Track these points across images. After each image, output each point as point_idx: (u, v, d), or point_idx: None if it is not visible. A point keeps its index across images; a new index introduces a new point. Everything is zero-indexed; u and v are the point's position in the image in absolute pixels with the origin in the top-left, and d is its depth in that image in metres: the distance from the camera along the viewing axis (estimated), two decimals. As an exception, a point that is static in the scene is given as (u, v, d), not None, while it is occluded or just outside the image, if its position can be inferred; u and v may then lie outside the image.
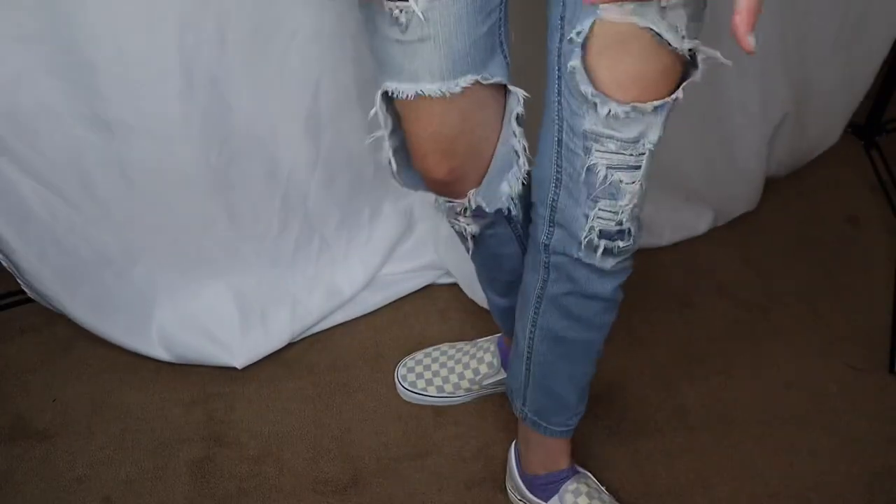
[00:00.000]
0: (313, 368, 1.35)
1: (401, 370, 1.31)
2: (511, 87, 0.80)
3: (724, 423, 1.26)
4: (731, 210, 1.56)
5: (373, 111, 0.81)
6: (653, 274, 1.48)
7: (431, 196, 0.92)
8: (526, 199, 0.89)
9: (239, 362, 1.32)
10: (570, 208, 0.80)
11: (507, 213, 0.89)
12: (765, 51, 1.32)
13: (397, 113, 0.82)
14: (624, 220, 0.79)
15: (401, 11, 0.71)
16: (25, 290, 1.32)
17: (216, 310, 1.35)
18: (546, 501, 1.11)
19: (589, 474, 1.14)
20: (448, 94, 0.75)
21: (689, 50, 0.69)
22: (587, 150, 0.75)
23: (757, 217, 1.58)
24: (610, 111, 0.71)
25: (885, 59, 1.56)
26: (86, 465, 1.22)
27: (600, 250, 0.81)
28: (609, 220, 0.79)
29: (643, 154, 0.74)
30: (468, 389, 1.27)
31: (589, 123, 0.73)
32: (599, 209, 0.78)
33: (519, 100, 0.81)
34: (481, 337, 1.33)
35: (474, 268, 1.11)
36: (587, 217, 0.79)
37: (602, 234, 0.80)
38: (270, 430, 1.27)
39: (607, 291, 0.87)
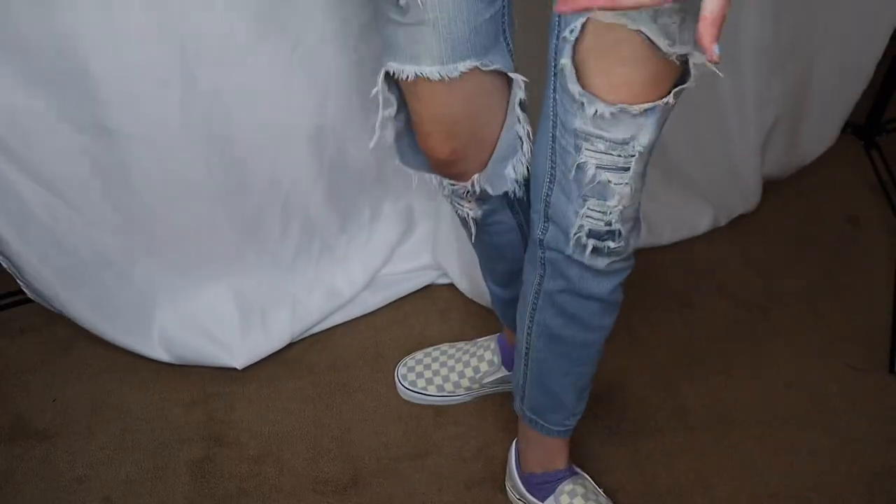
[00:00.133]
0: (313, 368, 1.35)
1: (401, 370, 1.31)
2: (511, 75, 0.81)
3: (724, 423, 1.26)
4: (731, 210, 1.56)
5: (374, 91, 0.82)
6: (653, 274, 1.48)
7: (432, 192, 0.92)
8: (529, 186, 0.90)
9: (239, 363, 1.33)
10: (563, 204, 0.80)
11: (512, 195, 0.90)
12: (759, 51, 1.32)
13: (402, 92, 0.83)
14: (613, 220, 0.79)
15: None
16: (25, 290, 1.32)
17: (216, 310, 1.35)
18: (542, 501, 1.12)
19: (586, 476, 1.14)
20: (447, 78, 0.77)
21: (681, 55, 0.69)
22: (577, 148, 0.75)
23: (757, 217, 1.58)
24: (597, 111, 0.71)
25: (883, 59, 1.56)
26: (86, 465, 1.22)
27: (589, 249, 0.81)
28: (598, 219, 0.79)
29: (633, 156, 0.74)
30: (468, 388, 1.28)
31: (579, 122, 0.74)
32: (589, 208, 0.78)
33: (521, 86, 0.82)
34: (481, 337, 1.33)
35: (476, 261, 1.11)
36: (577, 214, 0.79)
37: (591, 234, 0.80)
38: (270, 430, 1.27)
39: (603, 292, 0.86)
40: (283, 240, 1.33)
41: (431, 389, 1.28)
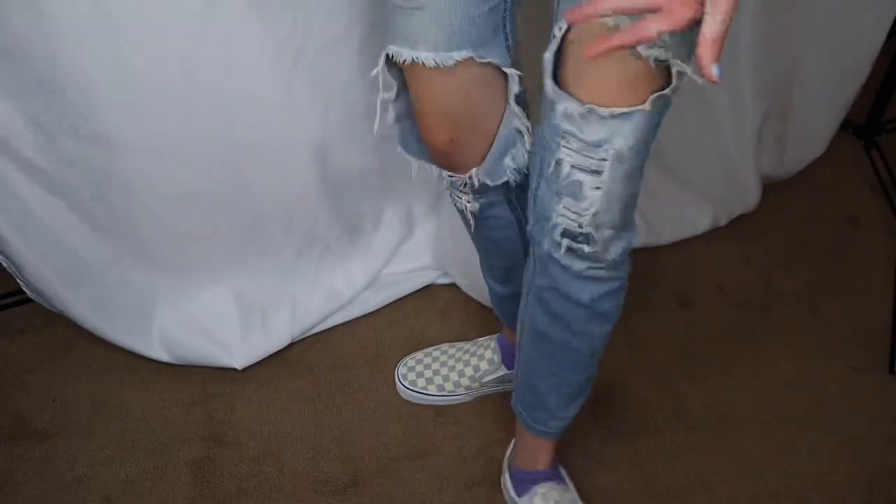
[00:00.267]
0: (313, 368, 1.35)
1: (401, 369, 1.31)
2: (505, 69, 0.81)
3: (724, 423, 1.26)
4: (730, 210, 1.56)
5: (374, 72, 0.83)
6: (653, 274, 1.48)
7: (433, 195, 0.92)
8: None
9: (239, 363, 1.32)
10: (545, 199, 0.80)
11: (511, 189, 0.90)
12: (755, 51, 1.32)
13: (405, 78, 0.84)
14: (585, 223, 0.78)
15: None
16: (25, 290, 1.32)
17: (216, 311, 1.35)
18: (519, 497, 1.12)
19: (568, 485, 1.13)
20: (441, 65, 0.77)
21: (660, 60, 0.68)
22: (557, 144, 0.75)
23: (757, 217, 1.58)
24: (566, 109, 0.71)
25: (884, 58, 1.56)
26: (86, 465, 1.22)
27: (563, 248, 0.81)
28: (572, 220, 0.78)
29: (605, 160, 0.73)
30: (469, 388, 1.28)
31: (557, 117, 0.74)
32: (563, 206, 0.78)
33: (515, 80, 0.82)
34: (481, 336, 1.33)
35: (477, 260, 1.11)
36: (554, 211, 0.79)
37: (565, 233, 0.80)
38: (270, 430, 1.27)
39: (584, 297, 0.85)
40: (285, 244, 1.33)
41: (432, 389, 1.28)
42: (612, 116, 0.70)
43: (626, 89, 0.69)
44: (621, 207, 0.77)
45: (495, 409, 1.28)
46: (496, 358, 1.26)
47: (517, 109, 0.84)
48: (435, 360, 1.31)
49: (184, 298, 1.34)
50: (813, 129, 1.60)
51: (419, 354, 1.33)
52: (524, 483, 1.12)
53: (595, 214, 0.77)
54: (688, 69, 0.68)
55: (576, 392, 1.02)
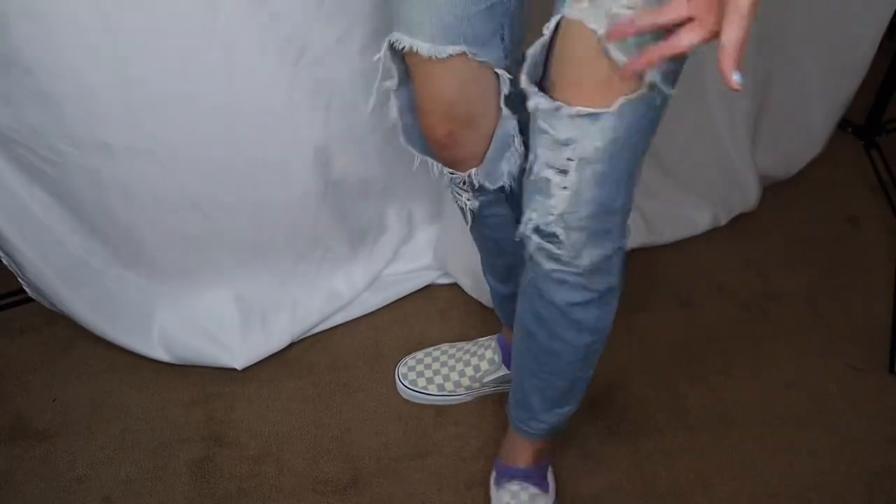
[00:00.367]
0: (313, 368, 1.35)
1: (401, 369, 1.31)
2: (497, 70, 0.81)
3: (724, 423, 1.26)
4: (730, 209, 1.56)
5: (376, 57, 0.83)
6: (653, 273, 1.48)
7: (435, 196, 0.92)
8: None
9: (239, 364, 1.32)
10: (526, 192, 0.81)
11: (508, 190, 0.90)
12: (752, 50, 1.32)
13: (408, 69, 0.84)
14: (551, 222, 0.78)
15: None
16: (26, 289, 1.32)
17: (217, 311, 1.35)
18: (494, 486, 1.14)
19: (548, 491, 1.13)
20: (435, 57, 0.78)
21: (655, 86, 0.68)
22: (535, 139, 0.76)
23: (757, 217, 1.58)
24: (536, 104, 0.72)
25: (883, 58, 1.56)
26: (86, 465, 1.22)
27: (532, 243, 0.81)
28: (541, 217, 0.78)
29: (571, 160, 0.73)
30: (469, 388, 1.28)
31: (533, 113, 0.75)
32: (536, 201, 0.78)
33: (506, 82, 0.82)
34: (482, 336, 1.33)
35: (478, 260, 1.11)
36: (529, 206, 0.80)
37: (536, 230, 0.80)
38: (270, 430, 1.27)
39: (560, 301, 0.85)
40: (286, 247, 1.33)
41: (432, 389, 1.28)
42: (580, 116, 0.70)
43: (602, 89, 0.69)
44: (594, 212, 0.76)
45: (495, 409, 1.28)
46: (496, 358, 1.26)
47: (506, 111, 0.84)
48: (435, 360, 1.31)
49: (184, 299, 1.34)
50: (811, 129, 1.60)
51: (419, 354, 1.33)
52: (500, 476, 1.13)
53: (561, 215, 0.77)
54: (658, 79, 0.68)
55: (560, 399, 1.01)
